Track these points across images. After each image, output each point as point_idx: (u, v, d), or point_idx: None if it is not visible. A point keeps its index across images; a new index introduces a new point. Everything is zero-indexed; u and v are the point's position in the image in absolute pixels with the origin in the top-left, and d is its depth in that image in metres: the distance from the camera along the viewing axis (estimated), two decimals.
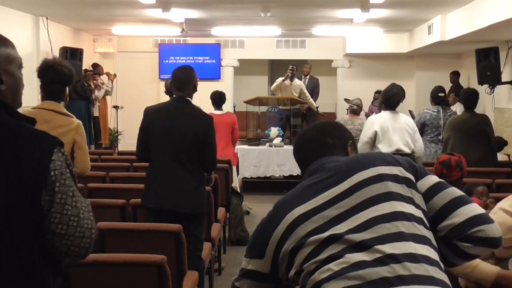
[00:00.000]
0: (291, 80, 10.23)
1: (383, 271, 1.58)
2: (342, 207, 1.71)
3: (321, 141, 2.04)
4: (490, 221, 1.74)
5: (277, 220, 1.78)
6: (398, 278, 1.57)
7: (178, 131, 3.95)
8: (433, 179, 1.81)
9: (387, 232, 1.64)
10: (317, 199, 1.75)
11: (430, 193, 1.78)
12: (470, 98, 6.32)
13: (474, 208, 1.74)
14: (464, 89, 6.88)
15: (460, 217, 1.72)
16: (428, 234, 1.70)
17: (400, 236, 1.64)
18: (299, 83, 10.47)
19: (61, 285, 1.78)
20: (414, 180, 1.78)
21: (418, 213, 1.72)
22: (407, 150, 5.33)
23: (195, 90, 4.13)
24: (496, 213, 2.73)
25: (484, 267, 2.72)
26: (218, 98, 7.14)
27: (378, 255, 1.61)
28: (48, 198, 1.66)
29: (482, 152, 6.10)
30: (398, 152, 5.26)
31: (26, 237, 1.65)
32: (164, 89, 5.39)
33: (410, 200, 1.73)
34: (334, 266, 1.63)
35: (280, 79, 10.33)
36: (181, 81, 4.06)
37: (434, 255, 1.66)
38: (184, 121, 3.98)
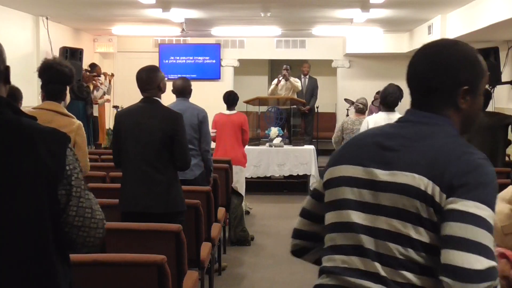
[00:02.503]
0: (286, 80, 10.28)
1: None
2: (375, 197, 1.64)
3: (423, 84, 1.67)
4: (465, 279, 1.44)
5: (330, 161, 1.76)
6: None
7: (146, 132, 3.95)
8: (460, 207, 1.49)
9: (387, 253, 1.60)
10: (366, 170, 1.66)
11: (444, 216, 1.53)
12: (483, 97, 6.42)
13: (454, 258, 1.46)
14: None
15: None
16: (420, 259, 1.57)
17: (395, 262, 1.59)
18: (292, 80, 10.55)
19: (71, 278, 1.81)
20: (443, 203, 1.53)
21: (426, 238, 1.56)
22: None
23: (161, 89, 4.09)
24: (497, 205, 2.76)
25: None
26: (227, 98, 7.15)
27: (371, 271, 1.60)
28: (65, 192, 1.71)
29: (493, 150, 6.16)
30: None
31: (45, 232, 1.68)
32: (172, 88, 5.43)
33: (427, 223, 1.56)
34: (339, 260, 1.66)
35: (275, 81, 10.41)
36: (142, 82, 4.08)
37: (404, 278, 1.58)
38: (151, 121, 3.97)
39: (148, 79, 4.07)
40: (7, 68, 1.79)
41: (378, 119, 5.53)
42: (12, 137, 1.68)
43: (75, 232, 1.74)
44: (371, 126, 5.51)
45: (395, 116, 5.44)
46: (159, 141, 3.94)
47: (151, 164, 3.95)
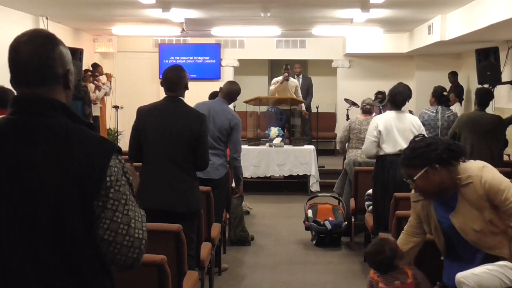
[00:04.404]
0: (287, 80, 10.26)
1: None
2: None
3: None
4: None
5: None
6: None
7: (174, 131, 3.97)
8: None
9: None
10: None
11: None
12: (486, 96, 6.49)
13: None
14: (480, 88, 6.99)
15: None
16: None
17: None
18: (295, 82, 10.50)
19: None
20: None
21: None
22: None
23: (186, 89, 4.15)
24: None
25: None
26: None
27: None
28: (101, 204, 1.64)
29: (494, 151, 6.19)
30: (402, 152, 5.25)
31: (79, 242, 1.63)
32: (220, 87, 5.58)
33: None
34: None
35: (277, 80, 10.32)
36: (172, 82, 4.09)
37: None
38: (179, 120, 4.00)
39: (178, 79, 4.09)
40: (67, 72, 1.76)
41: (388, 119, 5.42)
42: (52, 142, 1.65)
43: (105, 247, 1.65)
44: (380, 125, 5.39)
45: (404, 116, 5.38)
46: (187, 141, 3.97)
47: (177, 163, 3.97)
